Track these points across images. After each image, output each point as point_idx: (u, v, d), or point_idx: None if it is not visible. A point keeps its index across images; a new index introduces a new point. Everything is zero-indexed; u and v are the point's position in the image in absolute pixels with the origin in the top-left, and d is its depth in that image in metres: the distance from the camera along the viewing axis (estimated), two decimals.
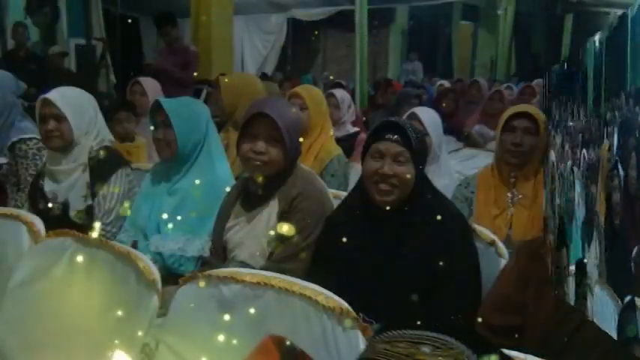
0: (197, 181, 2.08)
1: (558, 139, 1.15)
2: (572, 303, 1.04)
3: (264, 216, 1.93)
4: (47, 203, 2.31)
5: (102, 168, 2.33)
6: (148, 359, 1.55)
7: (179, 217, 2.07)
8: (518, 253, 1.60)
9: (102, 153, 2.34)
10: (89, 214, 2.30)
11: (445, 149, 2.93)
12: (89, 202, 2.31)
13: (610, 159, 0.84)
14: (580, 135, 0.99)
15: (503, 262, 1.80)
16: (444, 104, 4.98)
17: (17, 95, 3.19)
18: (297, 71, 12.08)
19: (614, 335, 0.86)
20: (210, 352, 1.44)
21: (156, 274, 1.62)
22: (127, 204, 2.27)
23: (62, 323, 1.71)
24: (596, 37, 0.91)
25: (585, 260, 0.96)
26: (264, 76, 8.40)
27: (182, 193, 2.13)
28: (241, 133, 1.92)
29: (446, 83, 7.75)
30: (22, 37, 6.23)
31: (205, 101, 4.49)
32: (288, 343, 1.18)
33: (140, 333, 1.56)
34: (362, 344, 1.33)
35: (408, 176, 1.71)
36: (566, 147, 1.07)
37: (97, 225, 2.02)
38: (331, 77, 9.04)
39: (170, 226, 2.06)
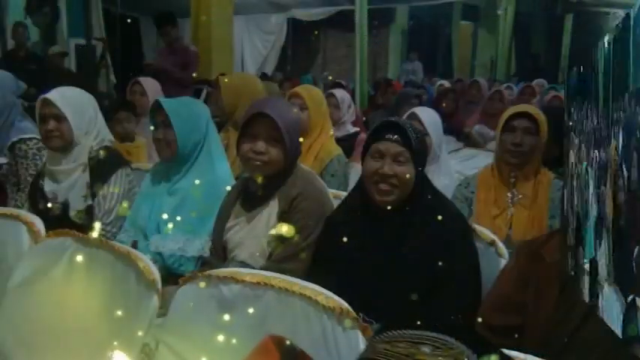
0: (197, 181, 2.08)
1: (577, 140, 1.16)
2: (586, 300, 1.05)
3: (264, 216, 1.93)
4: (47, 203, 2.31)
5: (102, 168, 2.33)
6: (148, 359, 1.55)
7: (179, 217, 2.07)
8: (518, 253, 1.60)
9: (102, 153, 2.34)
10: (89, 214, 2.30)
11: (445, 149, 2.93)
12: (89, 202, 2.31)
13: (616, 159, 0.85)
14: (592, 135, 1.00)
15: (503, 262, 1.80)
16: (444, 104, 4.98)
17: (17, 95, 3.19)
18: (297, 71, 12.08)
19: (620, 334, 0.86)
20: (210, 352, 1.44)
21: (156, 274, 1.62)
22: (125, 204, 2.27)
23: (62, 323, 1.71)
24: (606, 38, 0.91)
25: (597, 259, 0.97)
26: (264, 76, 8.40)
27: (182, 193, 2.13)
28: (241, 133, 1.92)
29: (446, 83, 7.75)
30: (22, 37, 6.23)
31: (205, 101, 4.49)
32: (288, 343, 1.18)
33: (140, 333, 1.56)
34: (362, 344, 1.33)
35: (408, 176, 1.71)
36: (583, 147, 1.09)
37: (97, 225, 2.02)
38: (330, 78, 9.03)
39: (170, 226, 2.06)
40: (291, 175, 1.94)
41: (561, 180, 1.97)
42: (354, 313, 1.38)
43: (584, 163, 1.07)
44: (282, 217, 1.88)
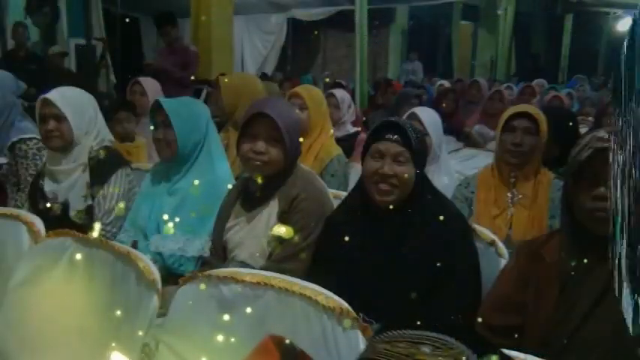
0: (197, 181, 2.08)
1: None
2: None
3: (264, 216, 1.93)
4: (47, 203, 2.31)
5: (102, 168, 2.33)
6: (148, 359, 1.55)
7: (179, 217, 2.07)
8: (518, 253, 1.60)
9: (102, 153, 2.34)
10: (89, 214, 2.30)
11: (445, 149, 2.93)
12: (89, 202, 2.31)
13: (631, 160, 0.88)
14: (619, 138, 1.04)
15: (503, 262, 1.80)
16: (444, 104, 4.97)
17: (17, 95, 3.19)
18: (297, 71, 12.08)
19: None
20: (210, 352, 1.44)
21: (156, 274, 1.62)
22: (121, 204, 2.27)
23: (62, 323, 1.71)
24: (625, 41, 0.93)
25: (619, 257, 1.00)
26: (264, 76, 8.41)
27: (182, 193, 2.13)
28: (241, 133, 1.92)
29: (446, 83, 7.75)
30: (22, 37, 6.23)
31: (205, 101, 4.50)
32: (288, 343, 1.18)
33: (140, 333, 1.56)
34: (362, 344, 1.33)
35: (408, 176, 1.71)
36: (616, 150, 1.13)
37: (97, 225, 2.02)
38: (327, 80, 9.01)
39: (170, 226, 2.06)
40: (291, 175, 1.94)
41: (561, 180, 1.97)
42: (354, 313, 1.38)
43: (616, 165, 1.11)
44: (282, 217, 1.88)
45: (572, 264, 1.42)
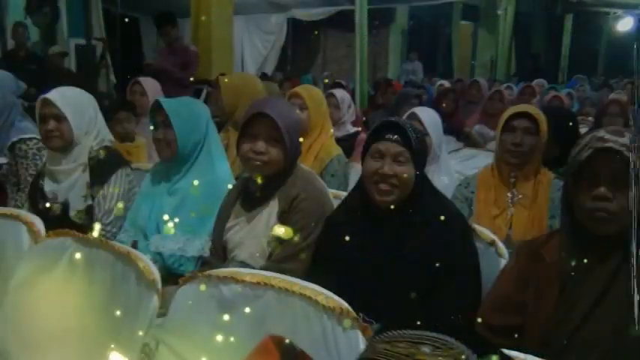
0: (197, 181, 2.08)
1: None
2: None
3: (264, 216, 1.93)
4: (47, 203, 2.31)
5: (102, 168, 2.33)
6: (148, 359, 1.55)
7: (179, 217, 2.07)
8: (518, 253, 1.60)
9: (102, 153, 2.34)
10: (89, 214, 2.30)
11: (445, 149, 2.93)
12: (89, 202, 2.31)
13: None
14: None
15: (503, 262, 1.80)
16: (444, 104, 4.98)
17: (17, 95, 3.19)
18: (297, 71, 12.09)
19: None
20: (210, 352, 1.44)
21: (156, 274, 1.62)
22: (120, 204, 2.27)
23: (62, 323, 1.71)
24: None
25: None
26: (264, 76, 8.41)
27: (182, 193, 2.13)
28: (241, 133, 1.92)
29: (446, 83, 7.75)
30: (22, 37, 6.23)
31: (205, 101, 4.50)
32: (288, 343, 1.18)
33: (140, 333, 1.56)
34: (362, 344, 1.33)
35: (408, 176, 1.71)
36: None
37: (97, 225, 2.02)
38: (326, 81, 9.01)
39: (170, 226, 2.06)
40: (291, 175, 1.94)
41: (561, 180, 1.97)
42: (354, 313, 1.38)
43: None
44: (282, 217, 1.88)
45: (572, 264, 1.42)
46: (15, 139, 2.71)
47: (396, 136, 1.72)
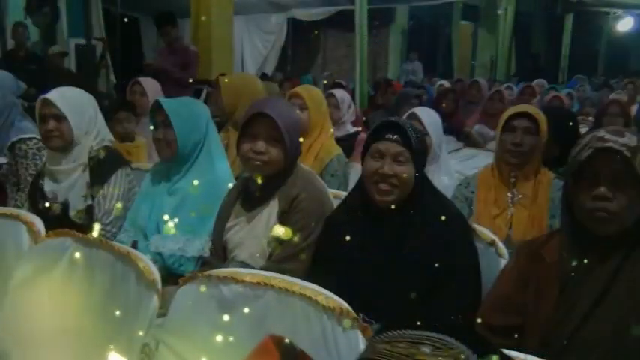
0: (197, 181, 2.08)
1: None
2: None
3: (264, 216, 1.93)
4: (47, 203, 2.31)
5: (102, 168, 2.33)
6: (147, 359, 1.55)
7: (179, 217, 2.07)
8: (518, 253, 1.60)
9: (102, 153, 2.34)
10: (89, 214, 2.30)
11: (445, 149, 2.93)
12: (89, 202, 2.31)
13: None
14: None
15: (503, 262, 1.80)
16: (444, 104, 4.98)
17: (17, 95, 3.19)
18: (297, 71, 12.09)
19: None
20: (210, 352, 1.44)
21: (156, 274, 1.62)
22: (119, 205, 2.27)
23: (62, 323, 1.71)
24: None
25: None
26: (264, 76, 8.41)
27: (182, 193, 2.13)
28: (241, 133, 1.92)
29: (446, 83, 7.76)
30: (22, 37, 6.23)
31: (205, 101, 4.50)
32: (288, 343, 1.18)
33: (140, 333, 1.56)
34: (362, 344, 1.33)
35: (408, 176, 1.71)
36: None
37: (97, 225, 2.02)
38: (325, 81, 9.01)
39: (170, 226, 2.06)
40: (291, 175, 1.94)
41: (561, 180, 1.97)
42: (354, 313, 1.38)
43: None
44: (282, 217, 1.88)
45: (572, 264, 1.42)
46: (15, 139, 2.71)
47: (396, 136, 1.72)
